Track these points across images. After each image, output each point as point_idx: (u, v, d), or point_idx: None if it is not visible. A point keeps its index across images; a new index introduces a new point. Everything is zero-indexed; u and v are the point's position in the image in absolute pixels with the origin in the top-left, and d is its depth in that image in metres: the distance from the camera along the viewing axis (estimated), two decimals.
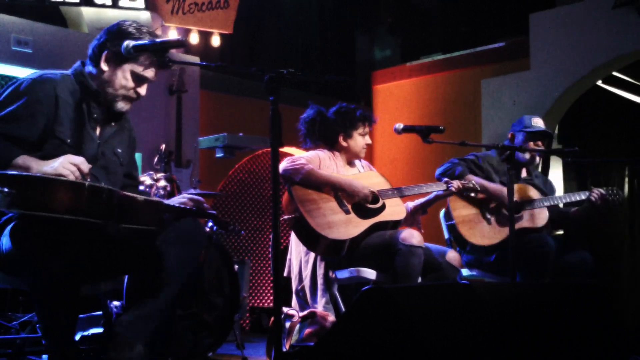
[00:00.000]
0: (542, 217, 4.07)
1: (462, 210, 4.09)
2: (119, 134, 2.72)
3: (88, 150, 2.55)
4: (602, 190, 4.06)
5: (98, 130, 2.63)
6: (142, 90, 2.63)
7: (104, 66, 2.57)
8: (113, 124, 2.68)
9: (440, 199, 4.02)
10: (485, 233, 4.04)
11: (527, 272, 3.87)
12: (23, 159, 2.35)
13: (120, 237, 2.43)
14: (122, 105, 2.63)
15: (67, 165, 2.31)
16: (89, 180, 2.34)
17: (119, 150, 2.70)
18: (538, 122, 4.20)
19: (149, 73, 2.61)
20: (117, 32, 2.57)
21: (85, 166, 2.36)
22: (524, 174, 4.30)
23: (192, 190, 4.63)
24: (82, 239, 2.28)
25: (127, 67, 2.58)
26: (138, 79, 2.60)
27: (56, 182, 2.15)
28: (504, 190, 3.98)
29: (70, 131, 2.51)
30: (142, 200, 2.35)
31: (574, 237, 4.59)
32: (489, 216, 4.07)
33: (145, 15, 6.01)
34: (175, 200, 2.62)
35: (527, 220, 4.04)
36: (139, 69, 2.59)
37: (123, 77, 2.58)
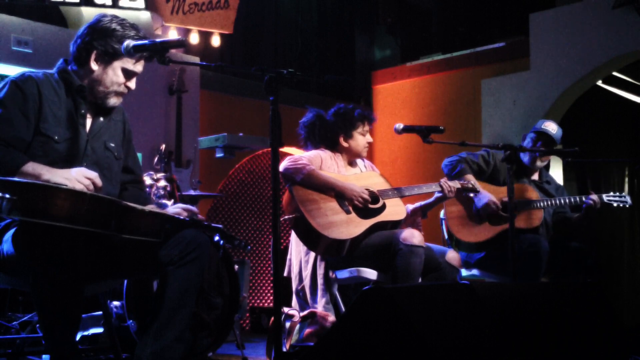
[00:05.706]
0: (537, 217, 4.07)
1: (454, 207, 4.14)
2: (109, 127, 2.69)
3: (76, 146, 2.53)
4: (602, 198, 4.09)
5: (88, 126, 2.61)
6: (132, 84, 2.64)
7: (93, 65, 2.56)
8: (102, 118, 2.66)
9: (441, 202, 4.03)
10: (473, 230, 4.07)
11: (520, 272, 3.88)
12: (32, 167, 2.33)
13: (122, 244, 2.43)
14: (114, 101, 2.63)
15: (82, 180, 2.31)
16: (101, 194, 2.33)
17: (112, 145, 2.67)
18: (549, 126, 4.21)
19: (139, 67, 2.63)
20: (102, 29, 2.55)
21: (99, 181, 2.36)
22: (535, 177, 4.30)
23: (192, 192, 4.63)
24: (84, 245, 2.27)
25: (118, 64, 2.57)
26: (128, 74, 2.61)
27: (58, 190, 2.12)
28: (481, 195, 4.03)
29: (56, 128, 2.49)
30: (145, 212, 2.32)
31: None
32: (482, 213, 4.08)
33: (145, 15, 6.00)
34: (169, 211, 2.59)
35: (522, 220, 4.04)
36: (129, 64, 2.59)
37: (114, 75, 2.58)
